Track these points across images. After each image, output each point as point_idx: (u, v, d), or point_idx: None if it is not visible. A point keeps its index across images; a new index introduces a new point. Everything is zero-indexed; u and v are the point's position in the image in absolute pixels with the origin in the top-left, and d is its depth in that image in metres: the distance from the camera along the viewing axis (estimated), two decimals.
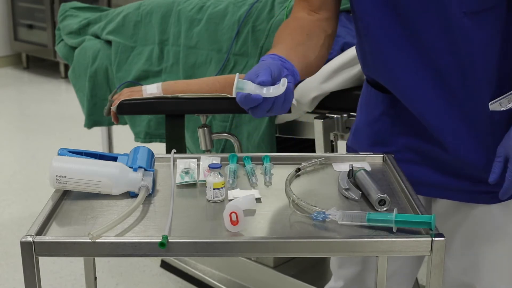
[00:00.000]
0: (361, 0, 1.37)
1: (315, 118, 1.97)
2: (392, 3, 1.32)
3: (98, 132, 3.08)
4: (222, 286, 2.54)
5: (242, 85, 1.16)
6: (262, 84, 1.16)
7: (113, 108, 2.00)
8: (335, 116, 1.96)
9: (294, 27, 1.42)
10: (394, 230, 1.11)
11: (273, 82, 1.19)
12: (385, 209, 1.19)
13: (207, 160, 1.40)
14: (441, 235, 1.08)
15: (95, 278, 1.55)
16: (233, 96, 1.17)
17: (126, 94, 2.04)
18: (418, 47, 1.32)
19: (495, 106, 1.34)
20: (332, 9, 1.44)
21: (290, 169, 1.35)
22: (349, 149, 1.58)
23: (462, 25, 1.27)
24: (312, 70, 1.42)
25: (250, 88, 1.16)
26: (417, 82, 1.35)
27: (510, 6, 1.28)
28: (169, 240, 1.06)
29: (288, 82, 1.20)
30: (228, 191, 1.28)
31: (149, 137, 2.36)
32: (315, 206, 1.17)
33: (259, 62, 1.27)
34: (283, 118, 2.08)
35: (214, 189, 1.24)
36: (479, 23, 1.27)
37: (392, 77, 1.38)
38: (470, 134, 1.37)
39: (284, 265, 2.46)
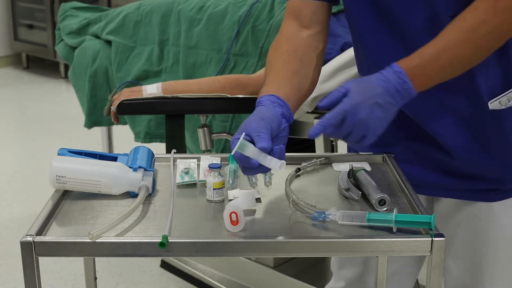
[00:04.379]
0: (351, 7, 1.38)
1: (315, 118, 1.96)
2: (381, 9, 1.33)
3: (98, 132, 3.08)
4: (222, 286, 2.54)
5: (244, 147, 1.17)
6: (263, 150, 1.17)
7: (113, 108, 2.00)
8: None
9: (287, 51, 1.40)
10: (394, 230, 1.11)
11: (273, 137, 1.20)
12: (385, 209, 1.19)
13: (207, 160, 1.40)
14: (441, 235, 1.08)
15: (95, 278, 1.55)
16: (232, 153, 1.17)
17: (126, 94, 2.04)
18: (410, 52, 1.33)
19: (495, 105, 1.34)
20: (322, 22, 1.43)
21: (290, 169, 1.35)
22: (350, 151, 1.58)
23: None
24: (304, 100, 1.42)
25: (251, 152, 1.17)
26: None
27: None
28: (169, 240, 1.06)
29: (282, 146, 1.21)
30: (228, 191, 1.28)
31: (149, 137, 2.36)
32: (315, 206, 1.17)
33: (258, 108, 1.26)
34: None
35: (214, 189, 1.24)
36: None
37: None
38: (470, 136, 1.37)
39: (284, 265, 2.46)
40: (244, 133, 1.18)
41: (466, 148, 1.37)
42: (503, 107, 1.34)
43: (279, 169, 1.17)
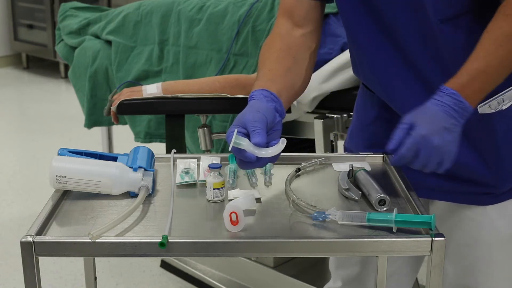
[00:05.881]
0: (345, 9, 1.38)
1: (315, 118, 1.97)
2: (373, 10, 1.33)
3: (98, 132, 3.08)
4: (222, 286, 2.54)
5: (239, 142, 1.16)
6: (258, 145, 1.17)
7: (113, 108, 2.00)
8: (335, 116, 1.96)
9: (280, 48, 1.40)
10: (394, 230, 1.11)
11: (268, 130, 1.20)
12: (385, 209, 1.19)
13: (207, 160, 1.40)
14: (441, 235, 1.08)
15: (95, 278, 1.55)
16: (229, 149, 1.17)
17: (126, 94, 2.05)
18: (403, 55, 1.34)
19: (484, 108, 1.33)
20: (316, 20, 1.43)
21: (290, 169, 1.35)
22: (346, 150, 1.58)
23: (440, 32, 1.28)
24: (296, 97, 1.42)
25: (247, 146, 1.17)
26: (404, 89, 1.36)
27: (483, 11, 1.29)
28: (169, 240, 1.06)
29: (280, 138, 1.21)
30: (228, 191, 1.28)
31: (149, 137, 2.36)
32: (315, 206, 1.17)
33: (252, 102, 1.27)
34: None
35: (214, 189, 1.24)
36: (456, 29, 1.28)
37: (381, 84, 1.39)
38: (462, 138, 1.36)
39: (284, 265, 2.46)
40: (236, 130, 1.17)
41: (459, 151, 1.37)
42: (493, 111, 1.34)
43: (280, 150, 1.17)
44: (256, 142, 1.16)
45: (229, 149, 1.17)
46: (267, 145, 1.19)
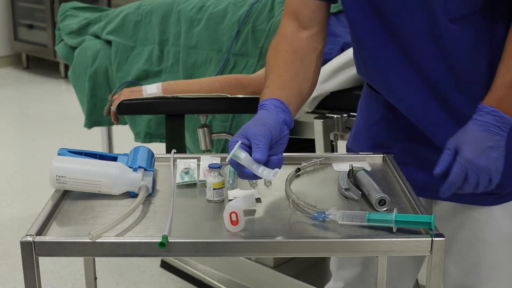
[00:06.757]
0: (351, 9, 1.37)
1: (315, 118, 1.96)
2: (379, 10, 1.33)
3: (98, 132, 3.08)
4: (222, 286, 2.54)
5: (239, 155, 1.16)
6: (257, 161, 1.16)
7: (113, 108, 2.00)
8: (335, 116, 1.96)
9: (287, 51, 1.39)
10: (394, 230, 1.11)
11: (273, 144, 1.20)
12: (385, 209, 1.19)
13: (207, 160, 1.40)
14: (441, 235, 1.08)
15: (95, 278, 1.55)
16: (227, 160, 1.17)
17: (126, 94, 2.05)
18: (408, 55, 1.33)
19: None
20: (321, 22, 1.42)
21: (290, 169, 1.35)
22: (349, 151, 1.58)
23: (448, 31, 1.28)
24: (304, 102, 1.41)
25: (246, 161, 1.16)
26: (410, 89, 1.36)
27: (492, 10, 1.29)
28: (169, 240, 1.06)
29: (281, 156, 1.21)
30: (228, 191, 1.28)
31: (149, 137, 2.36)
32: (315, 206, 1.17)
33: (261, 112, 1.26)
34: None
35: (214, 189, 1.24)
36: (465, 28, 1.28)
37: (386, 84, 1.39)
38: None
39: (284, 265, 2.46)
40: (240, 142, 1.17)
41: None
42: None
43: (273, 177, 1.16)
44: (257, 158, 1.16)
45: (227, 160, 1.17)
46: (268, 159, 1.18)
